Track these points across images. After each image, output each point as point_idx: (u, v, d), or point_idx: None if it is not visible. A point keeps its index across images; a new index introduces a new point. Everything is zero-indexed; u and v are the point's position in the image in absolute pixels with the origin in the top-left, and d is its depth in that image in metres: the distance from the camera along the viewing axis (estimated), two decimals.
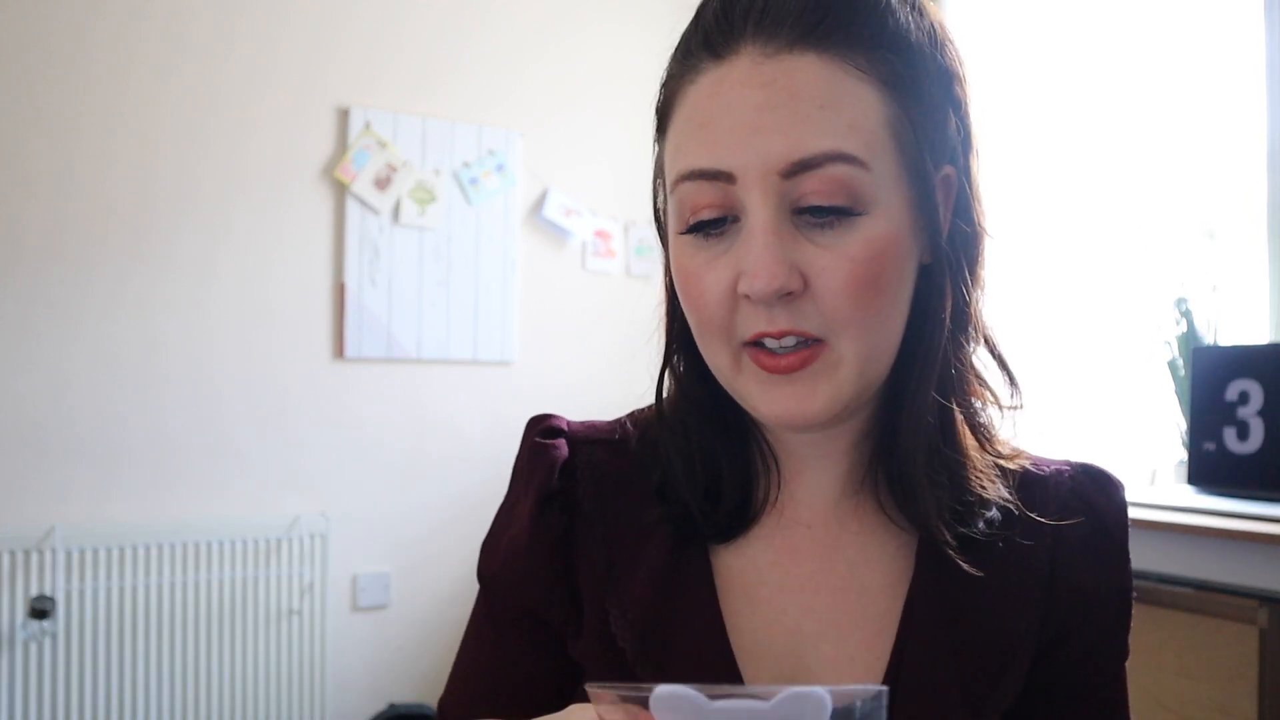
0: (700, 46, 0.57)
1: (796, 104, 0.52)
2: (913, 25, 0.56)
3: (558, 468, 0.64)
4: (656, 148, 0.62)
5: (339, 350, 2.49)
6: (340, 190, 2.50)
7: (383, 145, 2.53)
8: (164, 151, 2.32)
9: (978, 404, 0.62)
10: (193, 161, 2.35)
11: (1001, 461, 0.63)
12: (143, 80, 2.30)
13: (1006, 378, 0.62)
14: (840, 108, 0.52)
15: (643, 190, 2.61)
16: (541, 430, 0.67)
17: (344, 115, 2.50)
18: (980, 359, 0.62)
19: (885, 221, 0.53)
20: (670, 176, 0.57)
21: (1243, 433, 1.58)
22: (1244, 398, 1.58)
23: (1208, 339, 1.83)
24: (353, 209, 2.50)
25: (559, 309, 2.76)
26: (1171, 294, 1.92)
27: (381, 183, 2.53)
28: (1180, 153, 2.08)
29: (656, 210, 0.64)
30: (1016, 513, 0.61)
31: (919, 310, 0.58)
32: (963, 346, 0.60)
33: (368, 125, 2.51)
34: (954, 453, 0.60)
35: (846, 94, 0.53)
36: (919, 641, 0.59)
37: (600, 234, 2.81)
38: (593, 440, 0.67)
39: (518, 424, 0.69)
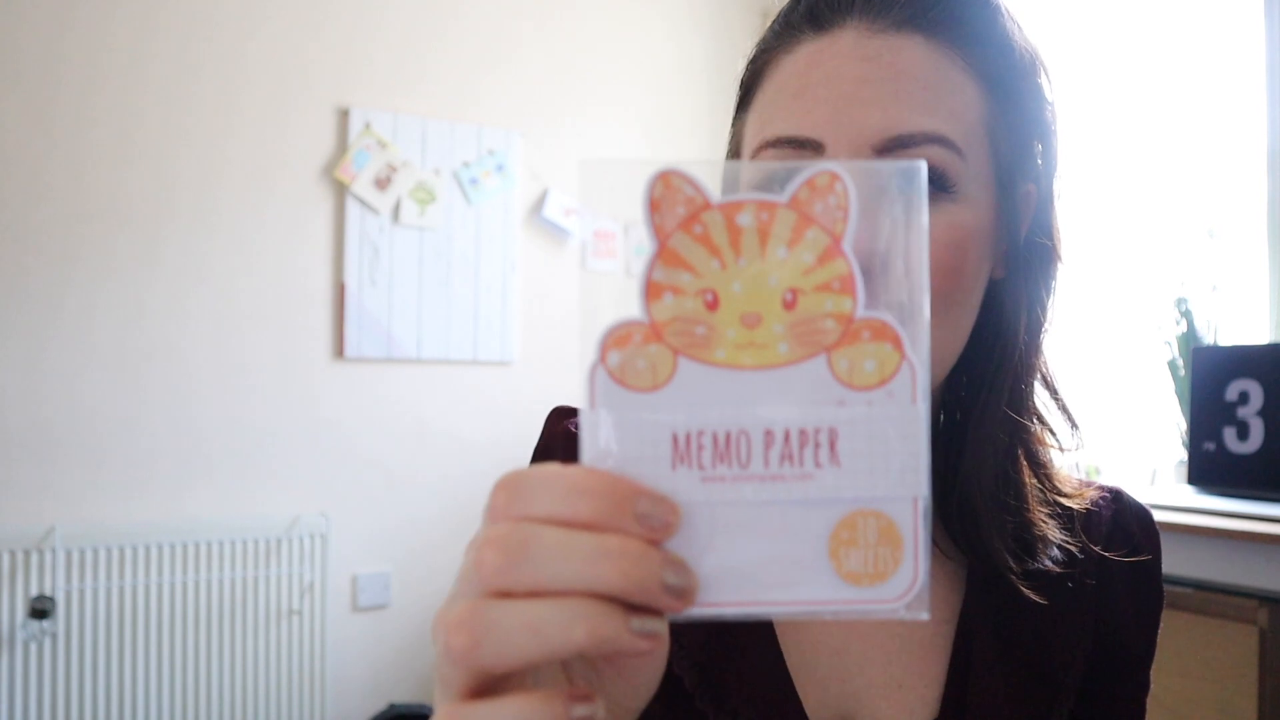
0: (802, 18, 0.56)
1: (899, 81, 0.51)
2: (1017, 37, 0.56)
3: None
4: (734, 124, 0.60)
5: (339, 350, 2.49)
6: (340, 190, 2.50)
7: (383, 145, 2.53)
8: (162, 150, 2.32)
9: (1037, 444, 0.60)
10: (191, 161, 2.34)
11: (1064, 500, 0.61)
12: (140, 79, 2.30)
13: (1066, 419, 0.61)
14: (943, 93, 0.52)
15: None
16: (570, 420, 0.66)
17: (344, 115, 2.50)
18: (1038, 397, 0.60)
19: (970, 213, 0.53)
20: (752, 146, 0.56)
21: (1243, 433, 1.58)
22: (1244, 398, 1.58)
23: (1208, 339, 1.83)
24: (353, 209, 2.50)
25: (559, 309, 2.76)
26: (1172, 294, 1.92)
27: (381, 183, 2.53)
28: (1181, 153, 2.08)
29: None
30: (1080, 555, 0.60)
31: (988, 325, 0.56)
32: (1031, 369, 0.59)
33: (368, 125, 2.51)
34: (1019, 479, 0.58)
35: (950, 82, 0.52)
36: (978, 671, 0.58)
37: (600, 234, 2.81)
38: None
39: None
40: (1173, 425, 1.90)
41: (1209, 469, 1.61)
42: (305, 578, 2.39)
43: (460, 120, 2.63)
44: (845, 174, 0.33)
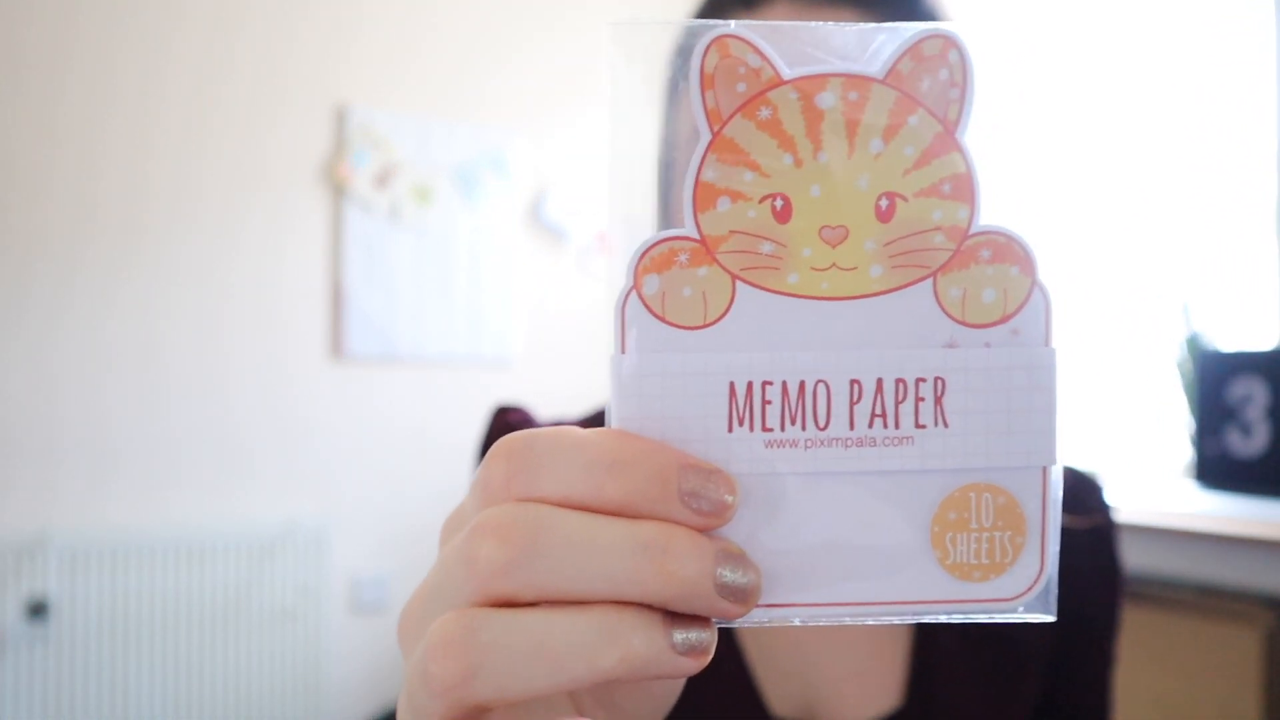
0: None
1: None
2: (940, 11, 0.57)
3: None
4: (666, 112, 0.59)
5: (337, 350, 2.48)
6: (338, 190, 2.49)
7: (381, 144, 2.52)
8: (158, 149, 2.31)
9: None
10: (188, 159, 2.34)
11: None
12: (135, 77, 2.29)
13: None
14: None
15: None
16: (517, 417, 0.64)
17: (342, 114, 2.49)
18: None
19: None
20: (684, 134, 0.54)
21: (1248, 434, 1.57)
22: (1249, 399, 1.57)
23: (1214, 340, 1.82)
24: (351, 208, 2.49)
25: (559, 309, 2.75)
26: (1179, 294, 1.91)
27: (380, 182, 2.52)
28: (1189, 151, 2.07)
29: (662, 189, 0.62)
30: None
31: None
32: None
33: (366, 124, 2.50)
34: None
35: None
36: (943, 654, 0.57)
37: (600, 234, 2.80)
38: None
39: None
40: (1181, 425, 1.90)
41: (1214, 470, 1.60)
42: (303, 579, 2.38)
43: (460, 119, 2.62)
44: (962, 40, 0.25)
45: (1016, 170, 0.26)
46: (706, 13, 0.57)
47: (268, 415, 2.40)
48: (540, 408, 0.71)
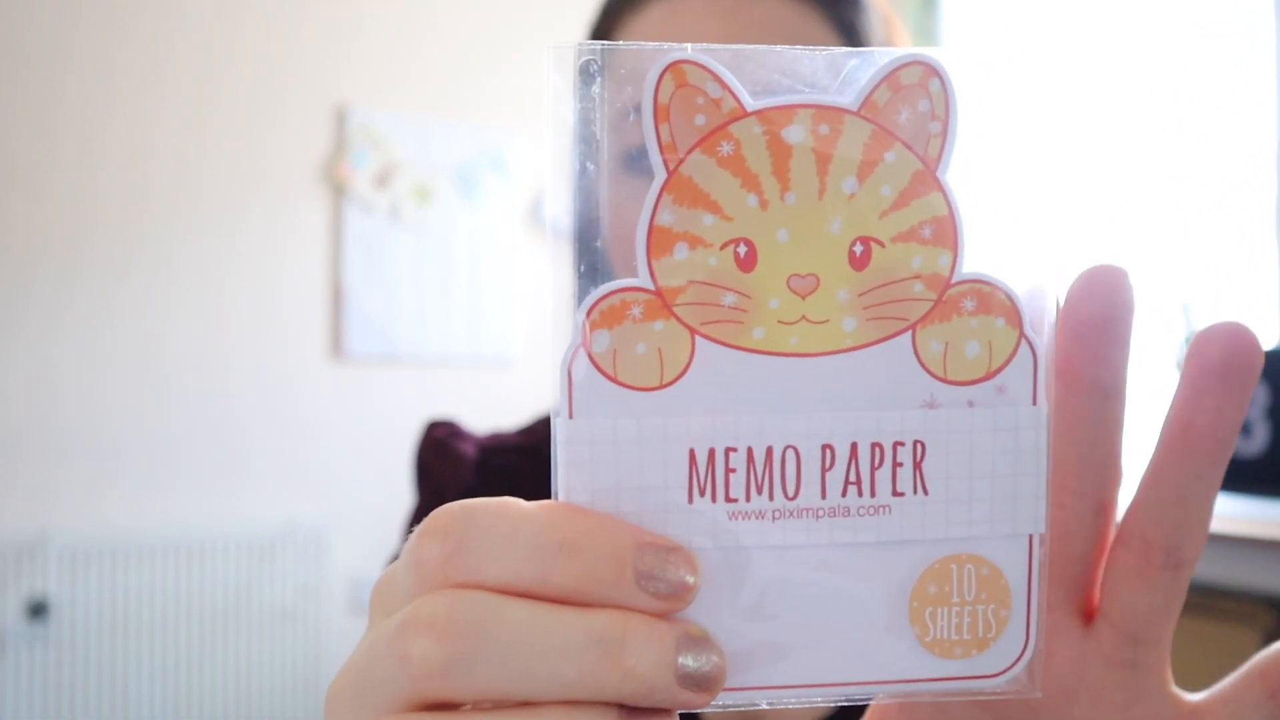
0: None
1: (764, 37, 0.48)
2: None
3: (469, 464, 0.60)
4: (582, 102, 0.58)
5: (337, 350, 2.48)
6: (338, 190, 2.49)
7: (381, 144, 2.52)
8: (158, 149, 2.31)
9: None
10: (187, 159, 2.33)
11: None
12: (135, 77, 2.29)
13: None
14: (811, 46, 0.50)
15: None
16: (443, 431, 0.63)
17: (342, 114, 2.49)
18: None
19: None
20: (609, 124, 0.53)
21: (1248, 434, 1.57)
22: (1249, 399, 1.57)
23: None
24: (350, 208, 2.49)
25: (559, 309, 2.75)
26: (1179, 294, 1.91)
27: (380, 182, 2.52)
28: (1189, 151, 2.07)
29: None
30: None
31: None
32: None
33: (366, 124, 2.50)
34: None
35: (815, 34, 0.50)
36: None
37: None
38: (500, 446, 0.63)
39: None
40: None
41: None
42: (303, 579, 2.38)
43: (460, 119, 2.62)
44: (944, 67, 0.22)
45: (1004, 211, 0.24)
46: (611, 9, 0.55)
47: (268, 415, 2.40)
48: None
